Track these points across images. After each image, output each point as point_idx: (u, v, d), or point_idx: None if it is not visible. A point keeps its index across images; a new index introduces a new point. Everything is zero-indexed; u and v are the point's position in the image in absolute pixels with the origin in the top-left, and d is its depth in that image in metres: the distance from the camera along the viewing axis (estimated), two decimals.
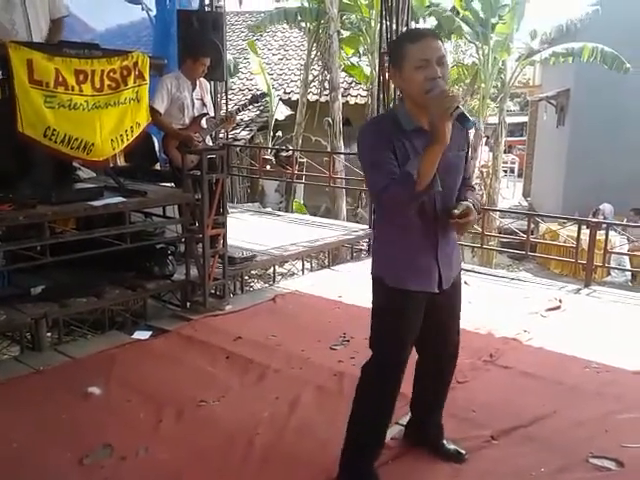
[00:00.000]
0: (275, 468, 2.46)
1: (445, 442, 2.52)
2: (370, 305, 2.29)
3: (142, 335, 3.82)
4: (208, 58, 4.80)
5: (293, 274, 6.26)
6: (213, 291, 4.45)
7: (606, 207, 11.35)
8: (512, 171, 21.91)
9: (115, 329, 3.98)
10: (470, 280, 5.14)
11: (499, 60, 9.62)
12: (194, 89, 4.79)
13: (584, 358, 3.58)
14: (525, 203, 17.56)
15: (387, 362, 2.21)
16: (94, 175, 4.79)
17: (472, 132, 11.69)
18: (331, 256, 6.12)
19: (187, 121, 4.77)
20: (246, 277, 5.44)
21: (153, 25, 6.75)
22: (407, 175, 1.87)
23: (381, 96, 6.00)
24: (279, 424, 2.77)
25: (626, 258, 9.62)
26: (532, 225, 10.26)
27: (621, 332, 4.05)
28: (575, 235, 8.27)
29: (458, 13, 9.60)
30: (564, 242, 9.31)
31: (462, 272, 5.35)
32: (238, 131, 11.96)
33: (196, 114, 4.80)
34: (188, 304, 4.37)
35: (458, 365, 2.85)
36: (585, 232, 5.60)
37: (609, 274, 10.26)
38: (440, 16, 9.54)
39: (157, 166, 5.84)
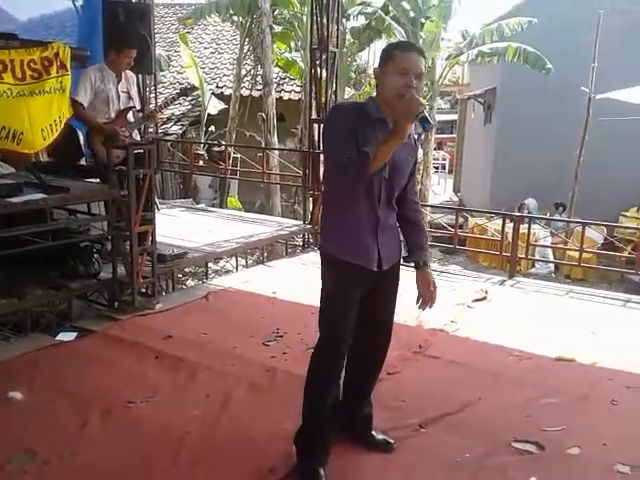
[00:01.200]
0: (206, 468, 2.43)
1: (374, 432, 2.56)
2: (304, 301, 2.32)
3: (67, 337, 3.67)
4: (133, 50, 4.65)
5: (227, 271, 6.20)
6: (143, 290, 4.34)
7: (530, 202, 11.86)
8: (443, 167, 22.53)
9: (38, 331, 3.80)
10: (400, 274, 5.25)
11: (428, 59, 9.86)
12: (119, 82, 4.64)
13: (508, 346, 3.72)
14: (456, 198, 18.10)
15: (331, 338, 2.29)
16: (13, 171, 4.56)
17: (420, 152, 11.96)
18: (266, 252, 6.09)
19: (113, 115, 4.61)
20: (179, 275, 5.35)
21: (79, 15, 6.49)
22: (365, 154, 2.06)
23: (313, 91, 6.00)
24: (210, 423, 2.74)
25: (549, 250, 10.08)
26: (461, 220, 10.64)
27: (542, 321, 4.24)
28: (497, 228, 8.65)
29: (388, 12, 9.76)
30: (491, 236, 9.69)
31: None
32: (169, 126, 11.69)
33: (122, 107, 4.66)
34: (116, 304, 4.24)
35: (388, 357, 2.91)
36: (510, 226, 5.82)
37: (534, 266, 10.73)
38: (371, 16, 9.69)
39: (82, 161, 5.62)
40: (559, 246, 7.86)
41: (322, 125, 2.36)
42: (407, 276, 5.39)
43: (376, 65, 2.27)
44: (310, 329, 2.32)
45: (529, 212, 11.38)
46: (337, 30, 5.80)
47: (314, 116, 6.06)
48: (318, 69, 5.78)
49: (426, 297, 2.55)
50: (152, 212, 4.16)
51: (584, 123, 8.39)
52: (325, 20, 5.71)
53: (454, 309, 4.39)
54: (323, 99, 5.80)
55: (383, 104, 2.18)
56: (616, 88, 8.00)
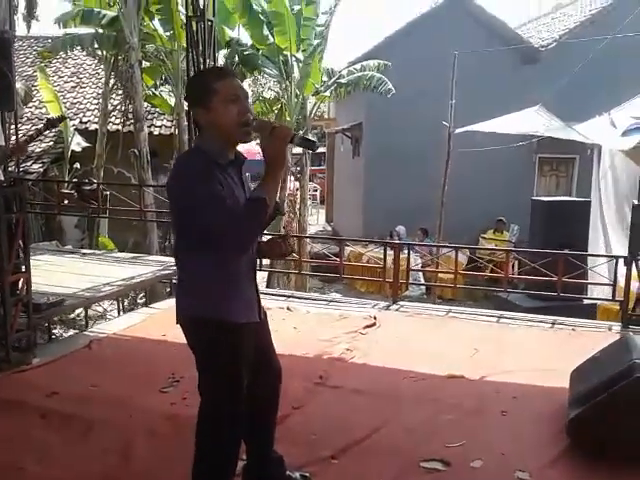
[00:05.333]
0: None
1: (289, 472, 2.51)
2: None
3: None
4: None
5: (101, 317, 5.86)
6: (16, 345, 3.96)
7: (400, 229, 12.51)
8: (315, 198, 23.12)
9: None
10: (292, 305, 5.30)
11: (300, 96, 10.18)
12: None
13: (402, 369, 3.88)
14: (329, 228, 18.62)
15: (230, 401, 2.13)
16: None
17: None
18: (151, 294, 5.84)
19: None
20: (55, 325, 4.95)
21: None
22: (262, 201, 1.93)
23: (192, 127, 5.92)
24: (114, 478, 2.55)
25: (420, 274, 10.69)
26: (338, 248, 10.97)
27: (429, 341, 4.48)
28: (377, 256, 9.05)
29: (258, 49, 9.96)
30: (367, 262, 10.09)
31: (284, 299, 5.49)
32: (29, 164, 10.89)
33: None
34: None
35: (292, 390, 2.91)
36: (389, 253, 6.09)
37: (407, 289, 11.30)
38: (242, 54, 9.83)
39: None
40: (432, 269, 8.35)
41: (171, 189, 2.04)
42: (300, 307, 5.45)
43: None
44: None
45: (399, 238, 12.00)
46: (215, 65, 5.80)
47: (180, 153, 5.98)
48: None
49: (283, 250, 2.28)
50: (27, 259, 3.84)
51: (446, 153, 9.09)
52: (200, 57, 5.69)
53: (348, 337, 4.49)
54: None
55: (222, 141, 2.03)
56: (473, 122, 8.79)
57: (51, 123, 4.89)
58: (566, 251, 5.66)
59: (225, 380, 2.12)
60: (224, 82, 2.02)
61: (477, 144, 9.27)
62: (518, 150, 10.84)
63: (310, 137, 2.08)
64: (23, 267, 3.88)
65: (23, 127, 11.51)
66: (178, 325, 2.18)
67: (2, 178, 4.46)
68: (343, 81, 10.78)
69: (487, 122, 8.59)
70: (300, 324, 4.80)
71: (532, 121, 8.58)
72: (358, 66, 10.79)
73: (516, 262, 7.99)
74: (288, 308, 5.20)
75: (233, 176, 2.06)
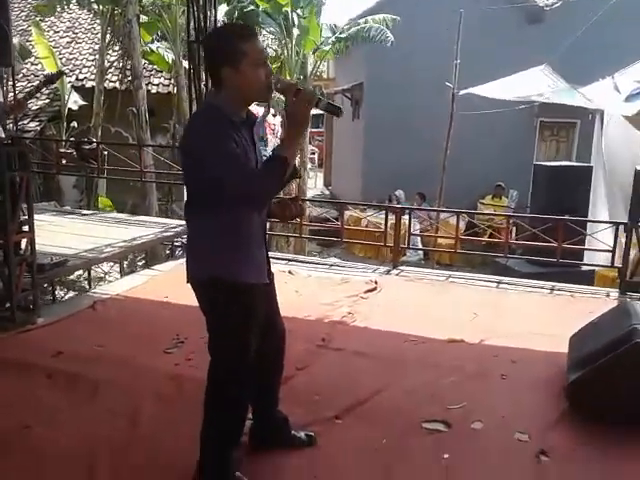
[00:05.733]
0: None
1: (294, 432, 2.57)
2: None
3: None
4: None
5: (102, 279, 5.88)
6: (21, 304, 3.99)
7: (400, 193, 12.49)
8: (312, 162, 22.96)
9: None
10: (294, 269, 5.33)
11: (301, 53, 10.00)
12: None
13: (403, 332, 3.92)
14: (327, 192, 18.55)
15: (241, 363, 2.16)
16: None
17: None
18: (151, 255, 5.85)
19: None
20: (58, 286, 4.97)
21: None
22: (282, 159, 1.94)
23: (192, 86, 5.84)
24: (121, 441, 2.59)
25: (418, 238, 10.72)
26: (336, 213, 10.95)
27: (429, 306, 4.52)
28: (376, 220, 9.06)
29: (258, 6, 9.73)
30: (365, 227, 10.11)
31: (286, 262, 5.49)
32: (26, 122, 10.74)
33: None
34: None
35: (295, 352, 2.94)
36: (389, 218, 6.08)
37: (404, 254, 11.34)
38: (241, 10, 9.61)
39: None
40: (431, 234, 8.36)
41: (188, 146, 2.05)
42: (302, 271, 5.47)
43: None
44: None
45: (398, 202, 11.98)
46: (215, 22, 5.68)
47: (194, 111, 5.90)
48: (198, 63, 5.63)
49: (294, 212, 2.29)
50: (31, 218, 3.82)
51: (448, 116, 8.98)
52: (201, 11, 5.56)
53: (349, 301, 4.52)
54: (203, 93, 5.67)
55: (239, 101, 2.05)
56: (476, 83, 8.66)
57: (49, 79, 4.82)
58: (566, 217, 5.67)
59: (236, 341, 2.14)
60: (253, 44, 2.00)
61: (478, 107, 9.16)
62: (519, 114, 10.72)
63: (333, 103, 2.05)
64: (26, 227, 3.85)
65: (19, 84, 11.32)
66: (181, 287, 2.20)
67: (3, 135, 4.42)
68: (342, 35, 10.58)
69: (492, 83, 8.44)
70: (302, 288, 4.83)
71: (537, 82, 8.44)
72: (362, 20, 10.56)
73: (514, 228, 8.02)
74: (289, 272, 5.22)
75: (245, 136, 2.06)
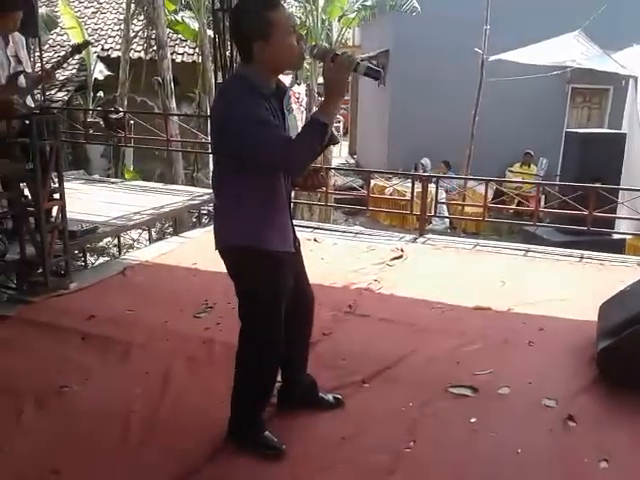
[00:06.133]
0: (156, 445, 2.38)
1: (322, 394, 2.61)
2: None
3: None
4: (19, 12, 4.25)
5: (131, 246, 5.97)
6: (53, 269, 4.08)
7: (426, 161, 12.34)
8: (337, 130, 22.79)
9: None
10: (319, 237, 5.34)
11: (327, 21, 9.84)
12: (7, 45, 4.24)
13: (429, 300, 3.92)
14: (352, 161, 18.42)
15: (271, 328, 2.20)
16: None
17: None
18: (179, 223, 5.92)
19: (2, 81, 4.22)
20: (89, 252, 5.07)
21: None
22: (322, 124, 1.91)
23: (217, 55, 5.81)
24: (154, 400, 2.67)
25: (444, 207, 10.63)
26: (362, 181, 10.90)
27: (456, 274, 4.49)
28: (401, 189, 9.00)
29: None
30: (390, 195, 10.06)
31: (311, 230, 5.50)
32: (53, 92, 10.84)
33: (12, 73, 4.26)
34: (25, 286, 3.97)
35: (321, 319, 2.96)
36: (416, 186, 6.03)
37: (430, 222, 11.27)
38: None
39: None
40: (459, 202, 8.27)
41: (219, 114, 2.05)
42: (327, 239, 5.50)
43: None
44: None
45: (424, 171, 11.86)
46: None
47: (219, 80, 5.89)
48: (222, 32, 5.58)
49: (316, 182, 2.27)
50: (61, 186, 3.88)
51: (476, 84, 8.78)
52: None
53: (375, 268, 4.53)
54: (228, 62, 5.64)
55: (268, 72, 2.03)
56: (506, 50, 8.44)
57: (76, 49, 4.83)
58: (597, 185, 5.55)
59: (264, 307, 2.17)
60: (280, 13, 1.98)
61: (507, 73, 8.93)
62: (550, 80, 10.42)
63: (374, 67, 1.99)
64: (57, 195, 3.92)
65: (46, 54, 11.38)
66: (208, 253, 2.23)
67: (33, 105, 4.47)
68: (368, 3, 10.37)
69: (523, 49, 8.23)
70: (327, 255, 4.84)
71: (570, 48, 8.21)
72: None
73: (543, 196, 7.88)
74: (315, 240, 5.23)
75: (275, 107, 2.05)
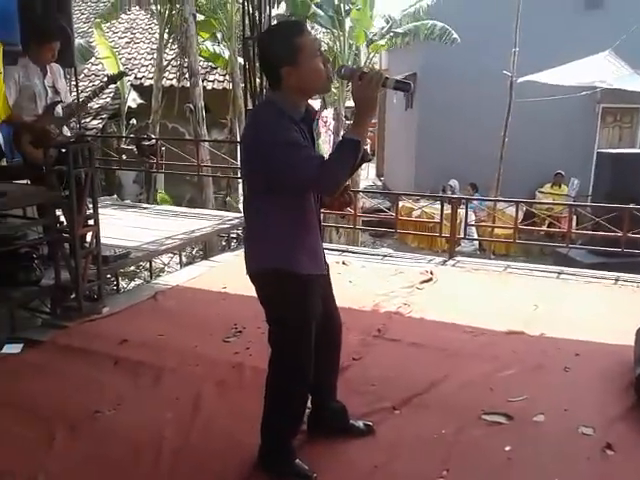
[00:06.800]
0: (187, 471, 2.38)
1: (352, 421, 2.58)
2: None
3: (13, 349, 3.46)
4: (56, 43, 4.41)
5: (162, 270, 6.04)
6: (86, 294, 4.15)
7: (454, 183, 12.30)
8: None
9: None
10: (347, 260, 5.33)
11: (354, 45, 9.96)
12: (45, 76, 4.40)
13: (460, 324, 3.87)
14: (379, 183, 18.43)
15: (301, 354, 2.20)
16: None
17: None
18: (208, 247, 5.98)
19: (40, 111, 4.36)
20: (121, 277, 5.15)
21: None
22: (356, 143, 1.93)
23: (247, 83, 5.92)
24: (185, 425, 2.68)
25: (473, 228, 10.53)
26: (389, 203, 10.89)
27: (487, 297, 4.43)
28: (429, 211, 8.95)
29: None
30: (417, 218, 10.02)
31: (339, 253, 5.48)
32: (88, 120, 11.17)
33: (49, 103, 4.41)
34: (59, 311, 4.05)
35: (350, 343, 2.93)
36: (438, 207, 5.98)
37: (459, 244, 11.17)
38: (293, 2, 9.65)
39: (3, 162, 5.27)
40: (489, 224, 8.18)
41: (249, 139, 2.10)
42: (355, 262, 5.48)
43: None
44: None
45: (453, 192, 11.80)
46: (269, 18, 5.73)
47: (249, 106, 5.99)
48: (253, 59, 5.70)
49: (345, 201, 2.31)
50: (96, 212, 3.97)
51: (504, 105, 8.76)
52: (256, 8, 5.62)
53: (404, 291, 4.50)
54: (259, 89, 5.74)
55: (297, 96, 2.05)
56: (533, 71, 8.42)
57: (111, 79, 4.98)
58: (632, 205, 5.44)
59: (295, 331, 2.17)
60: (305, 37, 2.01)
61: (536, 94, 8.89)
62: (579, 100, 10.34)
63: (403, 79, 2.00)
64: (91, 221, 4.01)
65: (81, 83, 11.75)
66: (238, 278, 2.25)
67: (69, 134, 4.61)
68: (400, 30, 10.46)
69: (552, 70, 8.20)
70: (356, 278, 4.83)
71: (600, 69, 8.15)
72: (412, 9, 10.41)
73: (574, 217, 7.76)
74: (343, 262, 5.23)
75: (305, 132, 2.08)
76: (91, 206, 3.99)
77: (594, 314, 4.02)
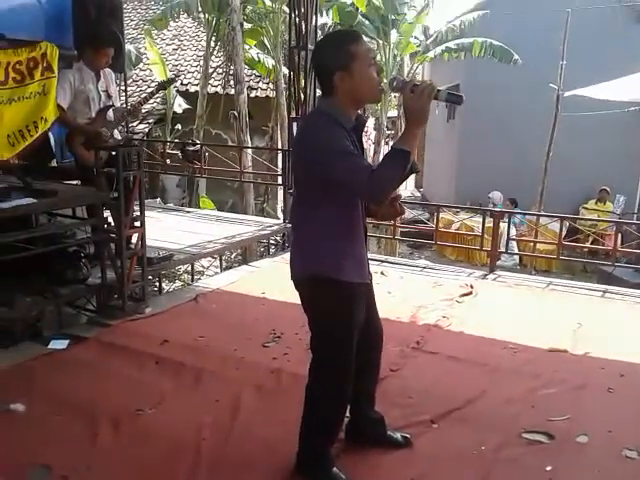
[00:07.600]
0: (226, 474, 2.41)
1: (390, 432, 2.57)
2: (296, 301, 2.27)
3: (59, 345, 3.56)
4: (111, 48, 4.55)
5: (202, 273, 6.12)
6: (130, 294, 4.25)
7: (495, 195, 12.13)
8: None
9: (27, 340, 3.68)
10: (386, 271, 5.32)
11: (398, 56, 9.96)
12: (98, 80, 4.54)
13: (500, 339, 3.82)
14: (418, 194, 18.31)
15: (343, 362, 2.20)
16: None
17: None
18: (248, 252, 6.05)
19: (93, 115, 4.51)
20: (164, 278, 5.25)
21: (44, 11, 6.25)
22: (406, 153, 1.93)
23: (291, 91, 6.00)
24: (224, 428, 2.71)
25: (514, 243, 10.36)
26: (428, 215, 10.80)
27: (528, 313, 4.36)
28: (470, 224, 8.86)
29: (357, 9, 9.81)
30: (456, 230, 9.90)
31: (378, 263, 5.47)
32: (135, 124, 11.45)
33: (102, 106, 4.55)
34: (103, 309, 4.15)
35: (389, 354, 2.91)
36: (478, 220, 5.92)
37: (499, 259, 11.00)
38: (342, 11, 9.71)
39: (53, 163, 5.45)
40: (531, 239, 8.04)
41: (301, 147, 2.11)
42: (394, 273, 5.46)
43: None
44: (307, 329, 2.28)
45: (494, 205, 11.64)
46: (315, 29, 5.79)
47: (293, 115, 6.07)
48: (297, 68, 5.77)
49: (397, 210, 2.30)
50: (142, 215, 4.07)
51: (549, 119, 8.61)
52: (302, 18, 5.70)
53: (443, 304, 4.46)
54: (302, 98, 5.82)
55: (349, 105, 2.06)
56: (580, 85, 8.26)
57: (162, 85, 5.12)
58: None
59: (338, 339, 2.17)
60: (360, 45, 2.04)
61: (581, 108, 8.70)
62: (628, 116, 10.07)
63: (455, 92, 2.00)
64: (138, 223, 4.11)
65: (129, 89, 12.07)
66: (277, 283, 2.28)
67: (119, 137, 4.74)
68: (453, 46, 10.38)
69: (601, 85, 8.01)
70: (394, 289, 4.81)
71: None
72: (457, 22, 10.36)
73: (619, 235, 7.55)
74: (382, 273, 5.21)
75: (356, 141, 2.09)
76: (138, 208, 4.09)
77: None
